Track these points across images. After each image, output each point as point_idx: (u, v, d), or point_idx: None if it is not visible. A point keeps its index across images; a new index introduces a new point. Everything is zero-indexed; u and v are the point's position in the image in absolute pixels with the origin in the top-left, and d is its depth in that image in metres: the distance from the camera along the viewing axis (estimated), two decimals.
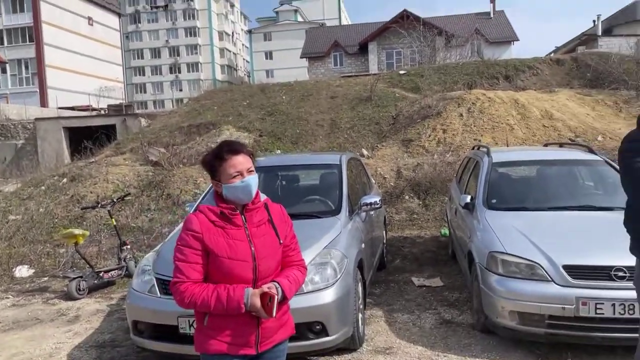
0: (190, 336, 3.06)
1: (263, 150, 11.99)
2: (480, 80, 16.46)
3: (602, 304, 3.27)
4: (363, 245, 4.36)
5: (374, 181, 7.78)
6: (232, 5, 77.59)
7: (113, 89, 40.20)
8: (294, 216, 4.15)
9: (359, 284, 4.01)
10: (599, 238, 3.71)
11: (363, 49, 34.28)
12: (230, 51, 75.34)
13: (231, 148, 1.98)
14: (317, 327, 3.35)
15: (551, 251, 3.57)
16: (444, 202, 8.44)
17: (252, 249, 1.92)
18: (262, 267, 1.92)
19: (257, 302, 1.82)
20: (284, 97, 15.68)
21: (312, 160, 6.06)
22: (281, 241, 2.00)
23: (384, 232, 6.61)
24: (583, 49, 25.33)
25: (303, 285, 3.32)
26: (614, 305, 3.24)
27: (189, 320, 3.22)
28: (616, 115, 12.65)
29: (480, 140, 10.80)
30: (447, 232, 7.00)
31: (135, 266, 5.30)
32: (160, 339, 3.48)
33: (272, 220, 2.02)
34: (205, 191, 5.24)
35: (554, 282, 3.44)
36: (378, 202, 4.77)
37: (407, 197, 9.32)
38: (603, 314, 3.27)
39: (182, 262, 1.88)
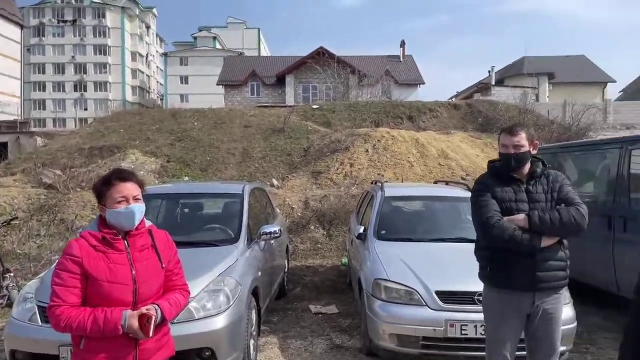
0: None
1: (170, 177, 11.77)
2: (386, 119, 17.58)
3: (467, 325, 3.69)
4: (260, 274, 4.49)
5: (279, 211, 7.97)
6: (148, 27, 75.55)
7: (8, 105, 36.96)
8: (194, 244, 4.27)
9: (254, 312, 4.11)
10: (468, 267, 4.10)
11: (281, 81, 34.86)
12: (143, 73, 72.77)
13: (121, 176, 2.08)
14: (207, 353, 3.39)
15: (427, 279, 3.97)
16: (346, 233, 8.84)
17: (134, 272, 2.00)
18: (142, 290, 2.00)
19: (135, 323, 1.89)
20: (196, 124, 15.56)
21: (215, 189, 6.12)
22: (163, 266, 2.10)
23: (287, 261, 6.78)
24: (479, 96, 28.09)
25: (195, 312, 3.39)
26: (476, 326, 3.66)
27: (70, 350, 3.11)
28: None
29: (383, 175, 11.49)
30: (347, 261, 7.34)
31: None
32: None
33: (156, 245, 2.11)
34: None
35: (428, 306, 3.82)
36: (278, 231, 4.94)
37: (312, 227, 9.62)
38: (467, 334, 3.69)
39: (59, 287, 1.91)
